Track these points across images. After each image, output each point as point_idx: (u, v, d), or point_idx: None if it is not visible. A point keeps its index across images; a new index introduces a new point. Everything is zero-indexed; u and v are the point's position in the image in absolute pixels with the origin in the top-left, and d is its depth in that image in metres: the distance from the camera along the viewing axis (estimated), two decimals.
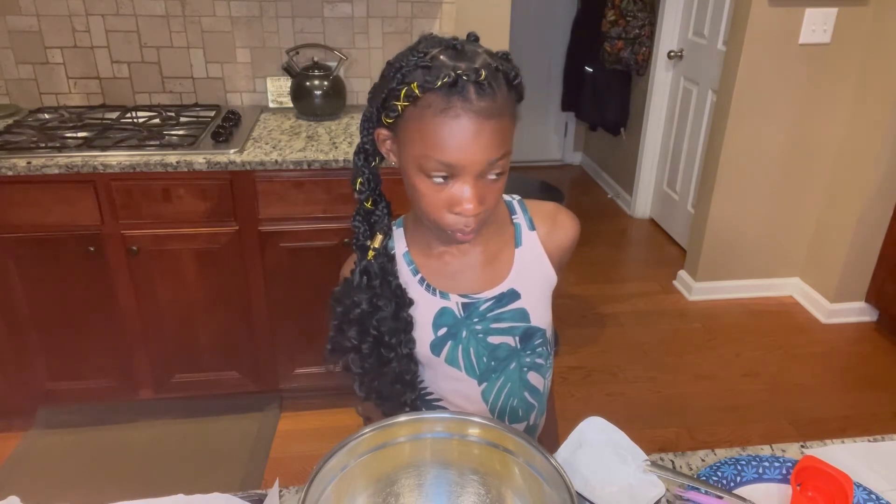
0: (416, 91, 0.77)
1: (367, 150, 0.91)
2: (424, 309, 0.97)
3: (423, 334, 0.97)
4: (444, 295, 0.97)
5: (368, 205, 0.93)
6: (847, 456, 0.92)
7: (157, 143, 1.96)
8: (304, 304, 2.10)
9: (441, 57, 0.79)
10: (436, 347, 0.98)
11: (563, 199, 2.37)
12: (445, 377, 1.01)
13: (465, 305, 0.97)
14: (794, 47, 2.60)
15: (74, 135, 2.04)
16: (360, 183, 0.92)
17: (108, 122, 2.16)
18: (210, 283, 2.04)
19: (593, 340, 2.73)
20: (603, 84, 3.92)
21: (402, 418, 0.79)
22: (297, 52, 2.30)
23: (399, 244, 0.98)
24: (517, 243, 0.99)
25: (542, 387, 1.07)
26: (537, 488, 0.74)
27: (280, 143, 2.02)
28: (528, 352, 1.02)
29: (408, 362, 0.97)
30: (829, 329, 2.85)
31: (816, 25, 2.56)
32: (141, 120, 2.19)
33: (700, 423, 2.28)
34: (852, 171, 2.73)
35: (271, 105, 2.42)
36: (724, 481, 0.88)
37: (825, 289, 2.91)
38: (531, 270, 0.99)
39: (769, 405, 2.39)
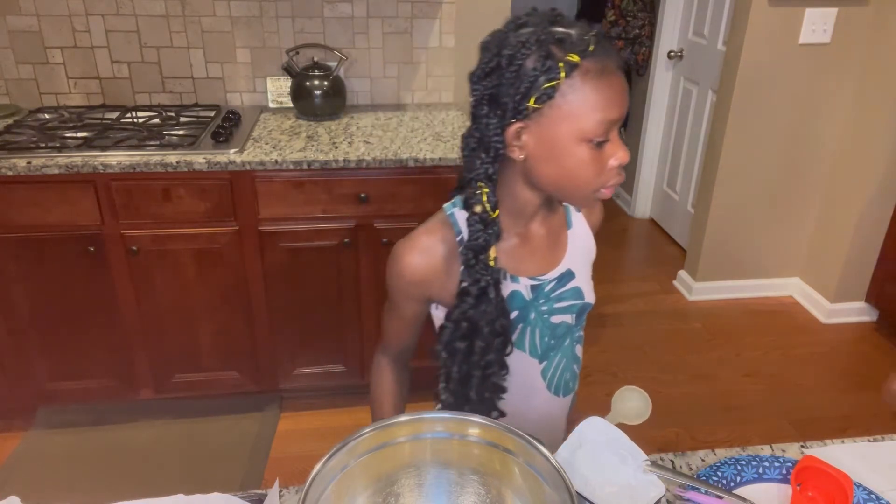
0: (577, 59, 0.78)
1: (499, 152, 0.86)
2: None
3: None
4: (514, 279, 0.96)
5: (494, 215, 0.88)
6: (847, 456, 0.92)
7: (157, 143, 1.96)
8: (304, 304, 2.10)
9: (559, 28, 0.80)
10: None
11: None
12: (508, 360, 0.98)
13: (533, 287, 0.98)
14: (794, 47, 2.60)
15: (74, 135, 2.04)
16: (488, 194, 0.88)
17: (108, 122, 2.16)
18: (210, 283, 2.04)
19: (593, 340, 2.73)
20: None
21: (402, 418, 0.79)
22: (297, 52, 2.30)
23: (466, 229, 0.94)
24: (568, 224, 1.02)
25: (581, 354, 1.12)
26: (537, 488, 0.74)
27: (280, 143, 2.02)
28: (578, 326, 1.06)
29: (500, 370, 0.96)
30: (829, 329, 2.85)
31: (816, 25, 2.56)
32: (141, 120, 2.19)
33: (700, 423, 2.28)
34: (852, 171, 2.73)
35: (271, 105, 2.42)
36: (724, 481, 0.88)
37: (825, 289, 2.91)
38: (580, 249, 1.03)
39: (769, 405, 2.39)
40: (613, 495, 0.82)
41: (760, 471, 0.90)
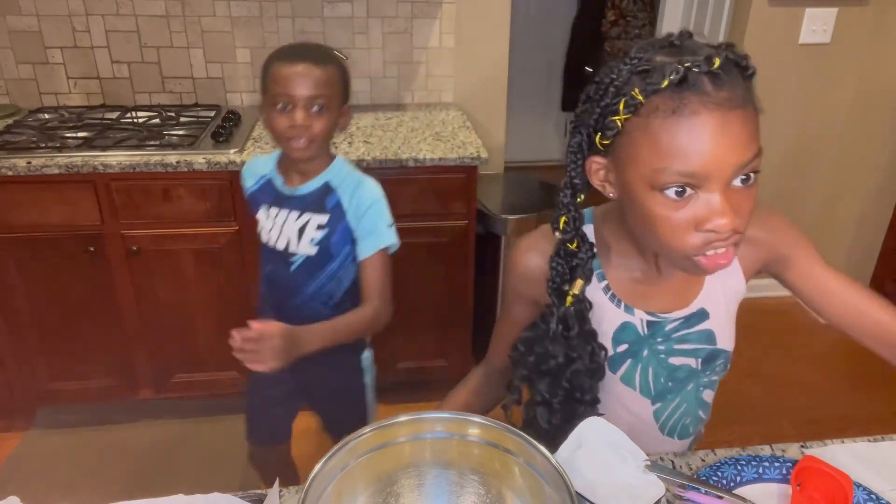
0: (639, 97, 0.68)
1: (576, 186, 0.80)
2: (605, 320, 0.89)
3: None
4: (629, 309, 0.89)
5: (572, 246, 0.83)
6: (847, 456, 0.92)
7: (157, 143, 1.96)
8: None
9: (658, 57, 0.69)
10: (614, 364, 0.91)
11: None
12: (613, 393, 0.93)
13: (650, 324, 0.90)
14: (794, 47, 2.59)
15: (74, 135, 2.04)
16: (565, 222, 0.82)
17: (108, 122, 2.16)
18: (210, 283, 2.03)
19: None
20: None
21: (402, 418, 0.79)
22: None
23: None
24: None
25: (711, 400, 1.02)
26: (537, 488, 0.74)
27: None
28: (708, 372, 0.97)
29: (594, 408, 0.89)
30: (829, 329, 2.83)
31: (816, 25, 2.55)
32: (141, 120, 2.19)
33: None
34: (852, 171, 2.73)
35: None
36: (724, 481, 0.88)
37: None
38: (723, 289, 0.91)
39: (769, 405, 2.39)
40: (613, 495, 0.82)
41: (760, 471, 0.90)
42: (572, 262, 0.84)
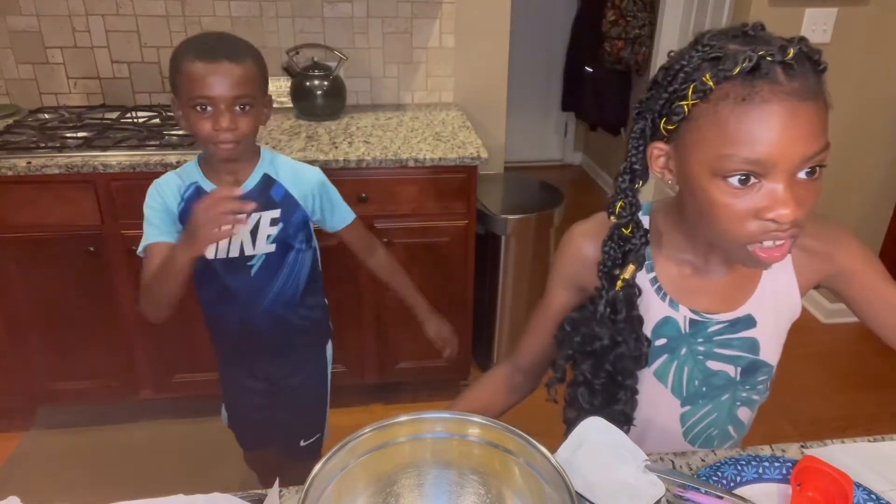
0: (709, 82, 0.68)
1: (636, 171, 0.81)
2: (647, 311, 0.89)
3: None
4: (673, 304, 0.89)
5: (627, 231, 0.83)
6: (847, 456, 0.92)
7: (157, 142, 1.96)
8: None
9: (730, 46, 0.69)
10: (650, 357, 0.90)
11: (563, 199, 2.37)
12: (643, 386, 0.91)
13: (692, 322, 0.89)
14: None
15: (74, 135, 2.03)
16: (621, 207, 0.83)
17: (108, 122, 2.16)
18: None
19: None
20: (603, 84, 3.92)
21: (402, 418, 0.79)
22: (297, 52, 2.30)
23: None
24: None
25: (748, 421, 0.99)
26: (537, 488, 0.74)
27: (280, 143, 2.02)
28: (748, 386, 0.95)
29: (633, 397, 0.89)
30: (829, 329, 2.84)
31: (816, 25, 2.55)
32: (141, 120, 2.19)
33: None
34: (852, 171, 2.73)
35: None
36: (724, 481, 0.88)
37: (825, 289, 2.90)
38: (776, 300, 0.89)
39: (769, 405, 2.37)
40: (613, 495, 0.82)
41: (760, 471, 0.90)
42: (625, 246, 0.84)
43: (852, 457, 0.92)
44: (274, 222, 1.28)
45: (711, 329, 0.89)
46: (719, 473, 0.89)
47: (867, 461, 0.91)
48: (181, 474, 2.01)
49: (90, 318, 2.03)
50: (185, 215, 1.24)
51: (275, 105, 2.40)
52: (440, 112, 2.41)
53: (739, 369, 0.92)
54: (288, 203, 1.30)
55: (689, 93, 0.69)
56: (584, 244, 0.92)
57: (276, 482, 0.85)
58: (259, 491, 0.89)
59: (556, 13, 4.28)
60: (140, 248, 1.26)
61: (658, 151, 0.77)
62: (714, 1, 3.08)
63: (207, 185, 1.27)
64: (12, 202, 1.85)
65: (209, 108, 1.14)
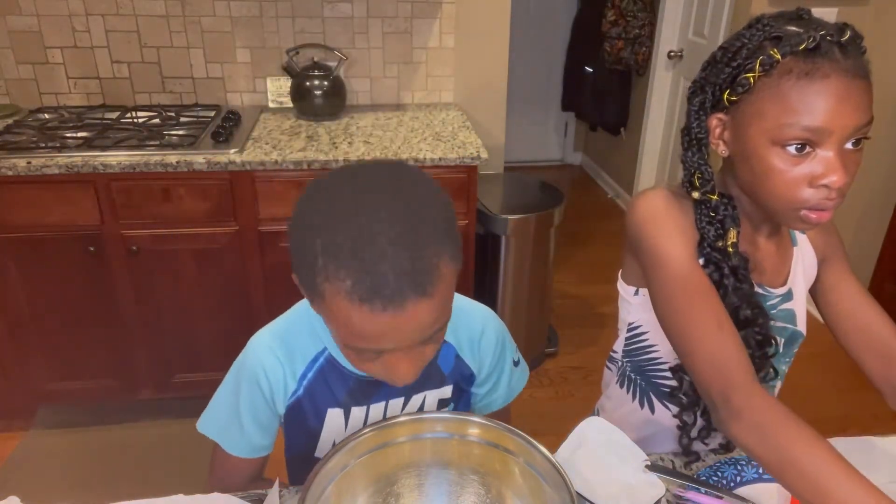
0: (777, 55, 0.75)
1: (702, 141, 0.84)
2: None
3: None
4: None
5: (714, 197, 0.84)
6: (846, 453, 0.91)
7: (157, 143, 1.96)
8: None
9: (789, 27, 0.77)
10: None
11: (563, 199, 2.37)
12: None
13: (760, 297, 0.91)
14: None
15: (74, 135, 2.04)
16: (699, 178, 0.84)
17: (108, 122, 2.16)
18: (210, 283, 2.03)
19: (593, 340, 2.73)
20: (603, 84, 3.92)
21: (402, 418, 0.79)
22: (297, 52, 2.30)
23: None
24: (793, 241, 0.95)
25: (776, 394, 1.02)
26: (537, 488, 0.74)
27: (280, 143, 2.02)
28: (787, 358, 0.98)
29: (773, 378, 0.92)
30: (829, 329, 2.84)
31: None
32: (141, 120, 2.19)
33: None
34: None
35: (271, 105, 2.42)
36: (724, 481, 0.88)
37: None
38: (803, 271, 0.96)
39: None
40: (613, 495, 0.82)
41: (760, 471, 0.90)
42: (718, 214, 0.84)
43: (852, 456, 0.92)
44: (442, 402, 0.92)
45: (770, 303, 0.92)
46: (719, 473, 0.89)
47: (867, 460, 0.91)
48: (181, 474, 2.01)
49: (90, 318, 2.03)
50: (308, 399, 0.91)
51: (275, 105, 2.41)
52: (440, 112, 2.41)
53: (783, 340, 0.95)
54: (460, 372, 0.92)
55: (757, 65, 0.76)
56: (651, 200, 0.87)
57: (276, 482, 0.85)
58: (259, 491, 0.89)
59: (556, 13, 4.28)
60: (205, 429, 1.02)
61: (716, 122, 0.83)
62: (714, 1, 3.09)
63: (343, 359, 0.87)
64: (12, 202, 1.85)
65: (381, 355, 0.72)
